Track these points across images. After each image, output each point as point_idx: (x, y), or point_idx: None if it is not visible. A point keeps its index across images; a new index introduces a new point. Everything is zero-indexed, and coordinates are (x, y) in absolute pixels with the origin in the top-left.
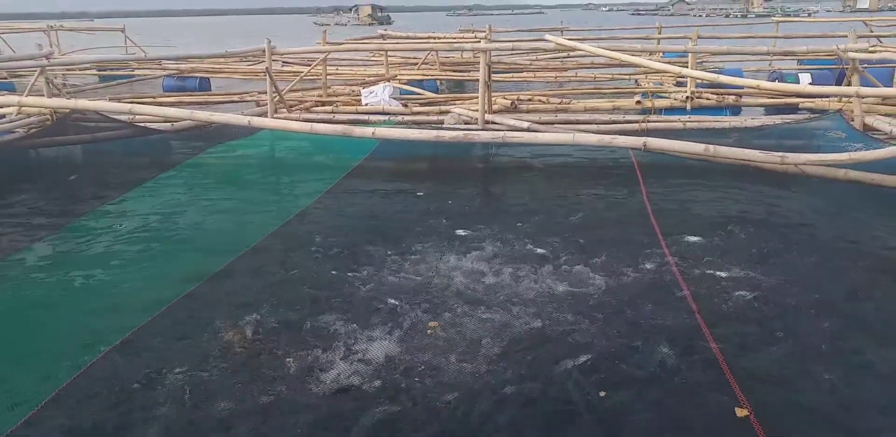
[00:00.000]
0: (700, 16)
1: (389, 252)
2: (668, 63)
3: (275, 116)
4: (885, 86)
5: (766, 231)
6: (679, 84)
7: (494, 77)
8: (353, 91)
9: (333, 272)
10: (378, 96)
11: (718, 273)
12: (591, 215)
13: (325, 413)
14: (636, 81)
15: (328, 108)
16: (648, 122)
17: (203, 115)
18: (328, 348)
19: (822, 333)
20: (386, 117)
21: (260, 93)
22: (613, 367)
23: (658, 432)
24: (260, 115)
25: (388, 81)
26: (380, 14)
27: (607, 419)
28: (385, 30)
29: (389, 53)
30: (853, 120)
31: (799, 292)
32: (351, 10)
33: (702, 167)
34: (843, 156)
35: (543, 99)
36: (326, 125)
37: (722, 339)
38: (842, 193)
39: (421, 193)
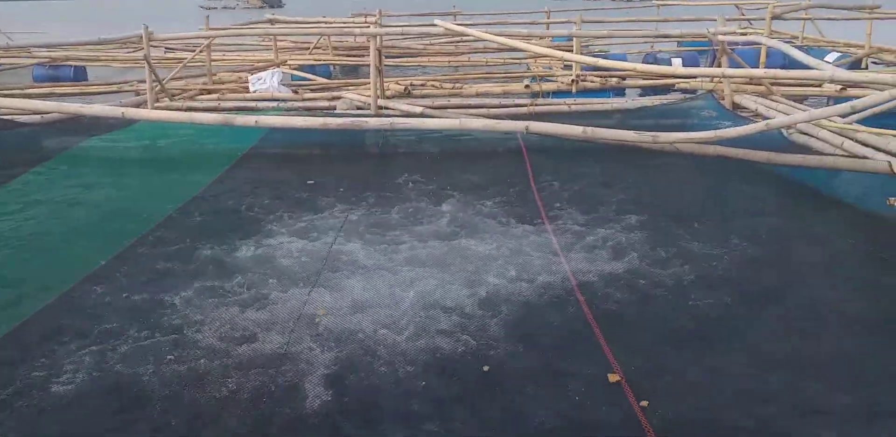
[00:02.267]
0: None
1: (270, 242)
2: (557, 47)
3: (156, 105)
4: (754, 67)
5: (641, 204)
6: (566, 67)
7: (389, 62)
8: (240, 78)
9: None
10: (267, 83)
11: (596, 245)
12: (481, 195)
13: None
14: (527, 65)
15: (214, 96)
16: (536, 105)
17: (73, 107)
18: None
19: (691, 300)
20: (275, 104)
21: (140, 82)
22: (491, 332)
23: (536, 399)
24: (139, 105)
25: (278, 67)
26: None
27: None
28: (273, 14)
29: (281, 38)
30: (723, 99)
31: (672, 261)
32: None
33: (588, 147)
34: (710, 134)
35: (437, 84)
36: (207, 115)
37: (599, 308)
38: (715, 166)
39: (311, 181)
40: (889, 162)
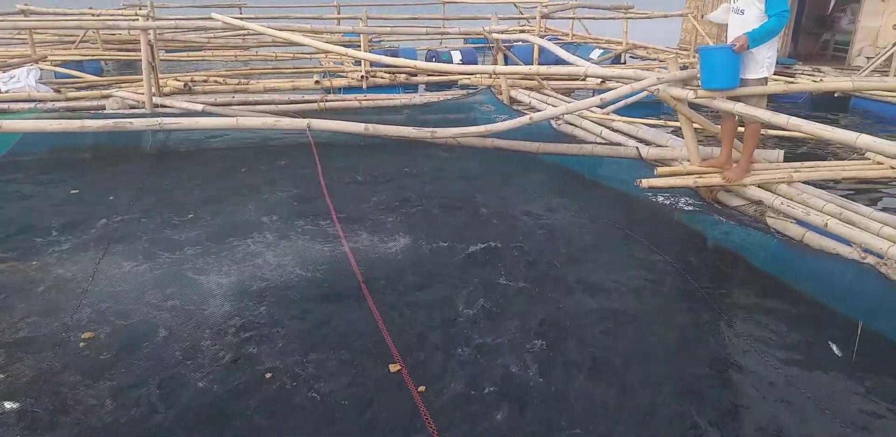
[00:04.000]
0: None
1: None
2: (349, 42)
3: None
4: (528, 63)
5: (424, 194)
6: (357, 63)
7: (169, 57)
8: None
9: None
10: (22, 82)
11: (381, 237)
12: (268, 197)
13: None
14: (319, 60)
15: None
16: (326, 101)
17: None
18: None
19: (468, 288)
20: (32, 105)
21: None
22: (278, 332)
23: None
24: None
25: (36, 63)
26: None
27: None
28: (27, 4)
29: (42, 31)
30: (501, 94)
31: (450, 251)
32: None
33: (381, 141)
34: (482, 128)
35: (221, 80)
36: None
37: (381, 298)
38: (498, 156)
39: (75, 191)
40: (637, 147)
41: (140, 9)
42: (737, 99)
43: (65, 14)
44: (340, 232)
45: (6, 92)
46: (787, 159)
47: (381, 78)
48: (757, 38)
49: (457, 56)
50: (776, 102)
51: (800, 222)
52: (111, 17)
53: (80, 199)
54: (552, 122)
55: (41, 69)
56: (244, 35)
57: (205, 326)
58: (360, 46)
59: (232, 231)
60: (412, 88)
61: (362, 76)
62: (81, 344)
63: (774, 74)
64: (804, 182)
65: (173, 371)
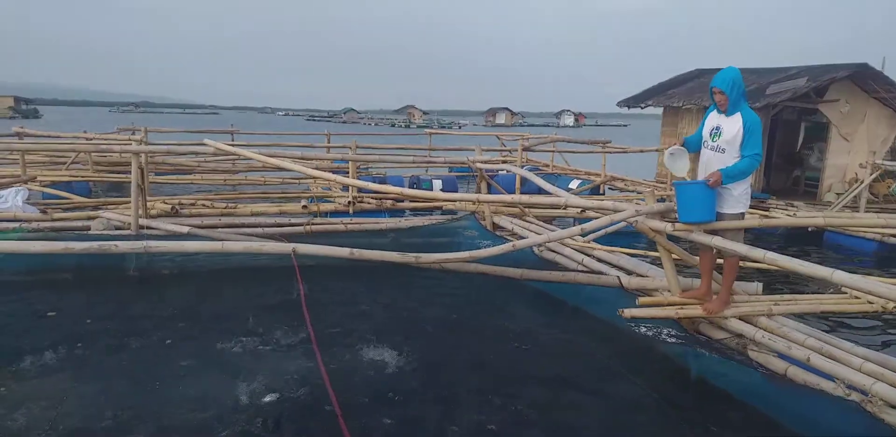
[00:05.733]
0: (369, 124)
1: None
2: (339, 168)
3: None
4: (511, 191)
5: (403, 319)
6: (345, 189)
7: (158, 179)
8: None
9: None
10: (9, 202)
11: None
12: (251, 320)
13: None
14: (307, 185)
15: None
16: (313, 224)
17: None
18: None
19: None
20: (17, 224)
21: None
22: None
23: None
24: None
25: (25, 184)
26: (24, 107)
27: None
28: (22, 127)
29: (34, 152)
30: (484, 220)
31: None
32: None
33: (365, 265)
34: (465, 254)
35: (208, 203)
36: None
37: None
38: (480, 280)
39: (52, 313)
40: (618, 277)
41: (133, 133)
42: (714, 232)
43: (59, 137)
44: (319, 357)
45: None
46: (766, 286)
47: (368, 203)
48: (730, 176)
49: (437, 184)
50: (754, 232)
51: (781, 356)
52: (105, 141)
53: (58, 320)
54: (534, 248)
55: (29, 189)
56: (235, 160)
57: None
58: (348, 173)
59: (206, 356)
60: (398, 212)
61: (349, 202)
62: None
63: (750, 208)
64: (783, 315)
65: None
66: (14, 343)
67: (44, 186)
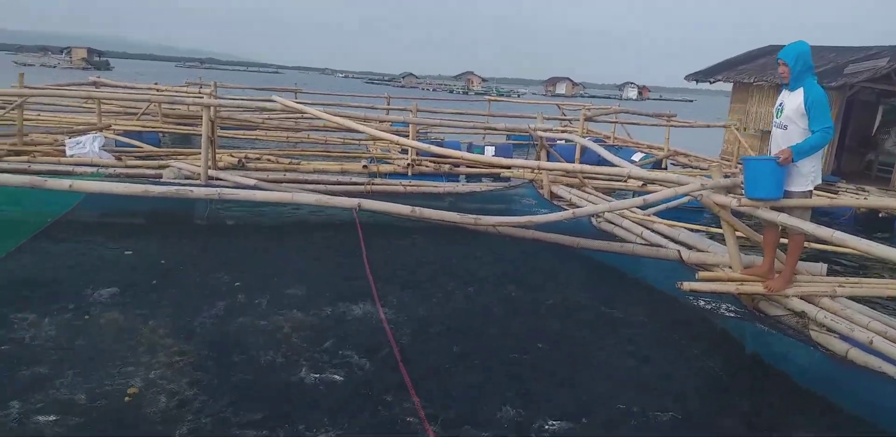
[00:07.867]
0: (427, 90)
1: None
2: (396, 132)
3: None
4: (570, 161)
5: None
6: (403, 152)
7: (224, 133)
8: (56, 140)
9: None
10: (87, 147)
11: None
12: (313, 270)
13: None
14: (366, 146)
15: (24, 158)
16: (373, 185)
17: None
18: None
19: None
20: (94, 170)
21: None
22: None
23: None
24: None
25: (101, 131)
26: (97, 59)
27: None
28: (98, 77)
29: (108, 102)
30: (542, 188)
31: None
32: (62, 51)
33: (421, 226)
34: (524, 219)
35: (273, 158)
36: (11, 176)
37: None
38: (535, 247)
39: (129, 252)
40: (679, 251)
41: (202, 87)
42: (780, 210)
43: (133, 87)
44: (379, 306)
45: (71, 156)
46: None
47: (426, 166)
48: (801, 151)
49: (489, 151)
50: (819, 217)
51: (843, 338)
52: (176, 93)
53: (134, 260)
54: (592, 219)
55: (105, 137)
56: (297, 118)
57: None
58: (408, 136)
59: (273, 297)
60: (454, 177)
61: (408, 164)
62: (126, 399)
63: (817, 190)
64: (848, 297)
65: None
66: (96, 277)
67: (117, 135)
